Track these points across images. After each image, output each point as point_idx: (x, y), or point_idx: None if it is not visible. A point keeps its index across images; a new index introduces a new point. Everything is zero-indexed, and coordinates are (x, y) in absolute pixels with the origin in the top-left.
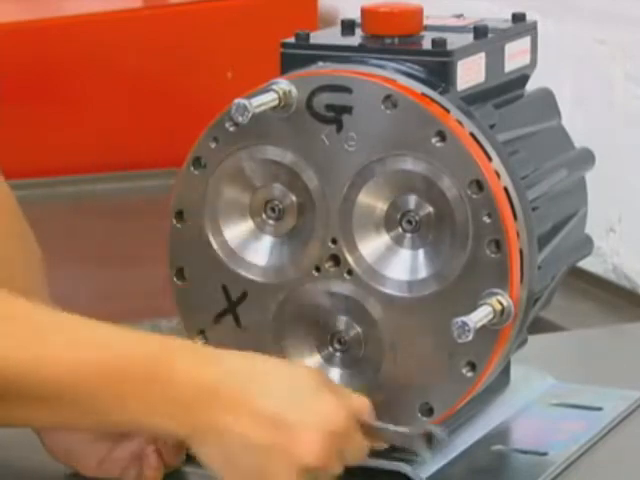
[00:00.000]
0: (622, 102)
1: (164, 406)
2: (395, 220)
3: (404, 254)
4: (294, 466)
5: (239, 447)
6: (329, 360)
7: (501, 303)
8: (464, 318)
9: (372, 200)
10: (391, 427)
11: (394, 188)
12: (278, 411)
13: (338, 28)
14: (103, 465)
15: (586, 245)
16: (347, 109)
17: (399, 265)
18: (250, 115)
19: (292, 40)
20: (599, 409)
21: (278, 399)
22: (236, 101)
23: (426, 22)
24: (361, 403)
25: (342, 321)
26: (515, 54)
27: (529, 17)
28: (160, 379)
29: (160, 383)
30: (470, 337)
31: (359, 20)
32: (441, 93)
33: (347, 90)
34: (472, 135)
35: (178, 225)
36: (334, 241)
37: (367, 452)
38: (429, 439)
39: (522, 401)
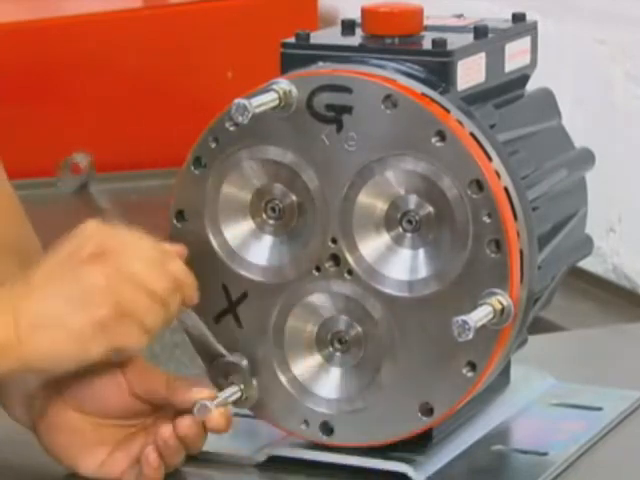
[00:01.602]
0: (622, 102)
1: None
2: (395, 220)
3: (404, 254)
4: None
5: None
6: (329, 360)
7: (501, 303)
8: (464, 317)
9: (372, 200)
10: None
11: (394, 188)
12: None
13: (338, 28)
14: (103, 466)
15: (586, 245)
16: (347, 109)
17: (399, 265)
18: (250, 115)
19: (292, 40)
20: (599, 409)
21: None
22: (236, 101)
23: (426, 22)
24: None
25: (342, 321)
26: (515, 54)
27: (529, 17)
28: None
29: None
30: (470, 336)
31: (359, 20)
32: (441, 93)
33: (347, 90)
34: (472, 135)
35: (178, 225)
36: (334, 241)
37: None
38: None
39: (522, 401)
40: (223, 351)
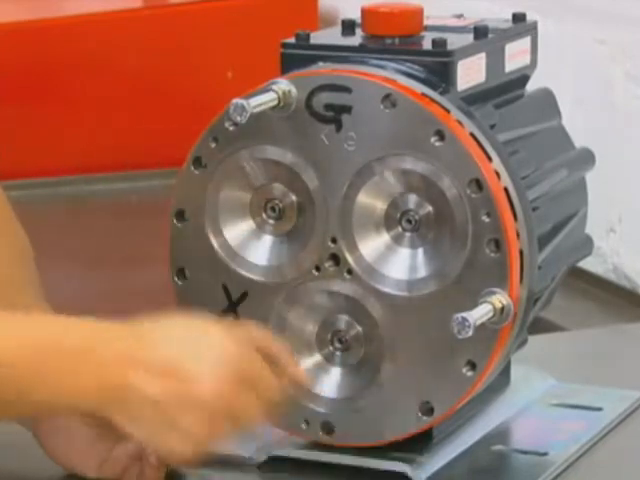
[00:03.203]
0: (622, 102)
1: (71, 379)
2: (395, 219)
3: (404, 253)
4: (200, 409)
5: (140, 402)
6: (329, 359)
7: (501, 302)
8: (464, 314)
9: (372, 199)
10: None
11: (394, 187)
12: (169, 359)
13: (338, 28)
14: (103, 466)
15: (586, 245)
16: (346, 109)
17: (399, 264)
18: (248, 115)
19: (292, 40)
20: (599, 409)
21: (169, 348)
22: (234, 101)
23: (426, 22)
24: (259, 331)
25: (342, 320)
26: (515, 54)
27: (529, 17)
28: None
29: (62, 358)
30: (470, 333)
31: (359, 20)
32: (441, 93)
33: (346, 90)
34: (472, 135)
35: (178, 225)
36: (334, 240)
37: (280, 384)
38: None
39: (522, 401)
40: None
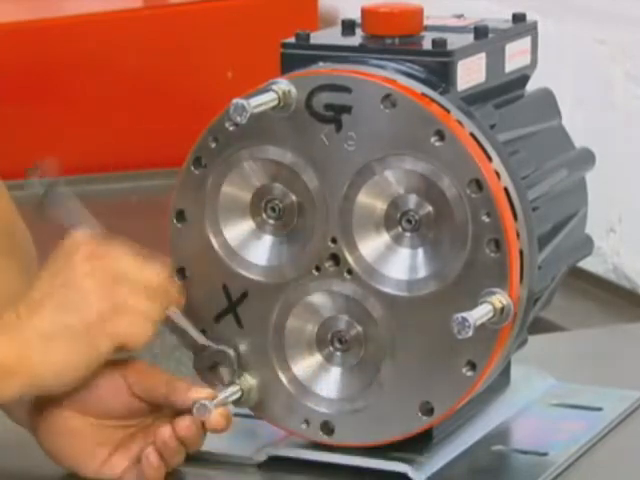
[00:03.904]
0: (622, 102)
1: None
2: (395, 219)
3: (404, 253)
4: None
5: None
6: (330, 359)
7: (501, 302)
8: (464, 314)
9: (372, 199)
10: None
11: (394, 187)
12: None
13: (338, 28)
14: (104, 467)
15: (586, 245)
16: (346, 109)
17: (399, 264)
18: (248, 115)
19: (292, 40)
20: (599, 409)
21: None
22: (234, 101)
23: (426, 22)
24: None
25: (342, 320)
26: (515, 54)
27: (529, 17)
28: None
29: None
30: (470, 333)
31: (359, 20)
32: (441, 93)
33: (346, 90)
34: (472, 135)
35: (178, 225)
36: (334, 240)
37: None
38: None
39: (522, 401)
40: (208, 342)
